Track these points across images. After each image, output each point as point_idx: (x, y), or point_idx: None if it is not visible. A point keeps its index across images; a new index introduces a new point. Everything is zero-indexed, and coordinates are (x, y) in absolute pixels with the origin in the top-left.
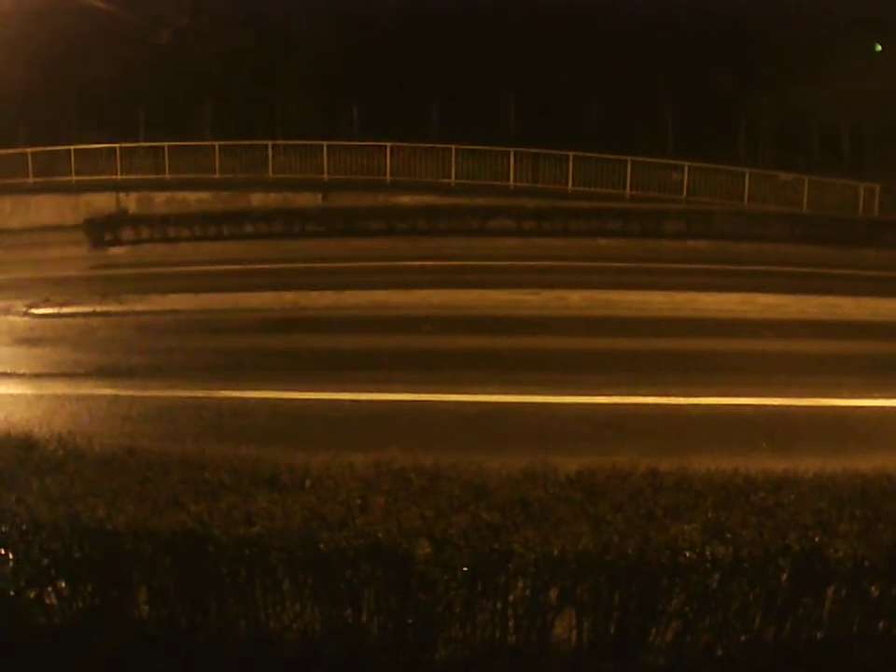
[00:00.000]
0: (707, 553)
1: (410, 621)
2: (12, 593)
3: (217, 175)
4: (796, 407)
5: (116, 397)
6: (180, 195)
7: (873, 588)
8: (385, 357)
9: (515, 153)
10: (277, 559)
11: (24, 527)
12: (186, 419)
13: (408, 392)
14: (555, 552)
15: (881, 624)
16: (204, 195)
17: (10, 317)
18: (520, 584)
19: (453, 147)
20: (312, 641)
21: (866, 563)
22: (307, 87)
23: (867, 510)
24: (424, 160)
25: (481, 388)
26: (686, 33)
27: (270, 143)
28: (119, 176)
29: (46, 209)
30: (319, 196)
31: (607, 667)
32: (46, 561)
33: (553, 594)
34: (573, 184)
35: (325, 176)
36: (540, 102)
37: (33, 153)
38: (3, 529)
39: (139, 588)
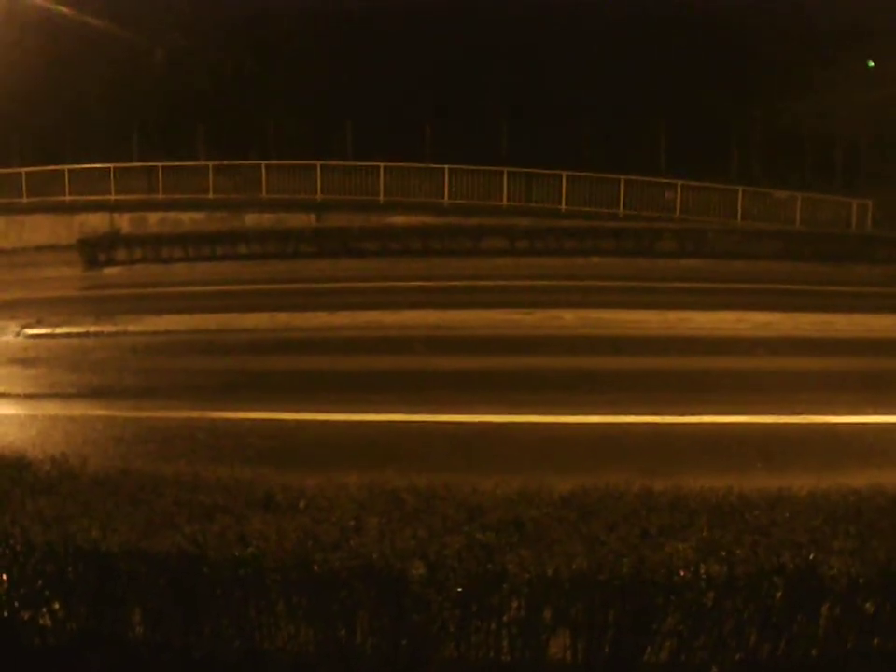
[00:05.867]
0: (702, 571)
1: (404, 641)
2: (6, 614)
3: (211, 195)
4: (790, 424)
5: (110, 417)
6: (174, 215)
7: (867, 605)
8: (378, 378)
9: (508, 172)
10: (271, 580)
11: (18, 548)
12: (180, 440)
13: (402, 413)
14: (550, 571)
15: (876, 641)
16: (198, 215)
17: (4, 338)
18: (514, 604)
19: (446, 166)
20: (306, 662)
21: (861, 580)
22: (301, 107)
23: (861, 526)
24: (417, 179)
25: (475, 408)
26: (678, 51)
27: (263, 163)
28: (112, 196)
29: (40, 229)
30: (313, 216)
31: None
32: (40, 582)
33: (548, 613)
34: (566, 203)
35: (318, 196)
36: (533, 121)
37: (27, 172)
38: None
39: (133, 609)
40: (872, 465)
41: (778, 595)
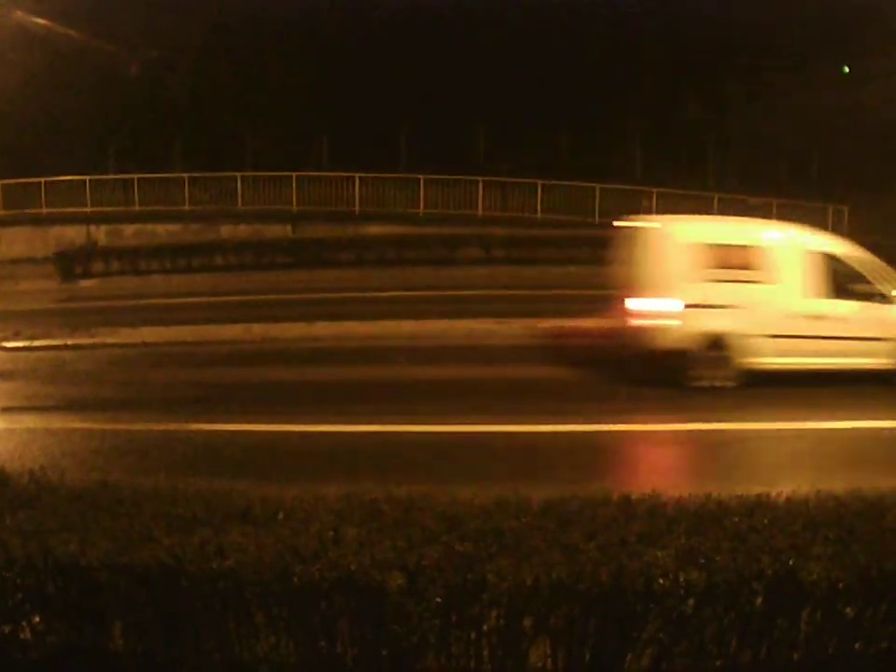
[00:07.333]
0: (681, 579)
1: (384, 652)
2: None
3: (187, 207)
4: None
5: (88, 430)
6: (150, 227)
7: (848, 609)
8: (354, 388)
9: (484, 182)
10: (251, 593)
11: None
12: (158, 452)
13: (379, 423)
14: (529, 581)
15: (857, 645)
16: (174, 227)
17: None
18: (494, 614)
19: (421, 176)
20: None
21: (841, 584)
22: (276, 118)
23: (841, 531)
24: (393, 190)
25: (454, 419)
26: (654, 60)
27: (239, 174)
28: (89, 209)
29: (16, 242)
30: (289, 227)
31: None
32: (19, 596)
33: (528, 622)
34: (542, 212)
35: (294, 207)
36: (508, 131)
37: (3, 185)
38: None
39: (113, 622)
40: (856, 470)
41: (759, 601)
